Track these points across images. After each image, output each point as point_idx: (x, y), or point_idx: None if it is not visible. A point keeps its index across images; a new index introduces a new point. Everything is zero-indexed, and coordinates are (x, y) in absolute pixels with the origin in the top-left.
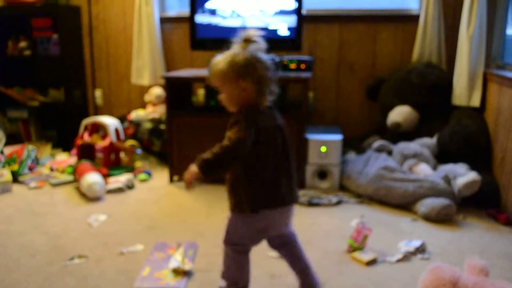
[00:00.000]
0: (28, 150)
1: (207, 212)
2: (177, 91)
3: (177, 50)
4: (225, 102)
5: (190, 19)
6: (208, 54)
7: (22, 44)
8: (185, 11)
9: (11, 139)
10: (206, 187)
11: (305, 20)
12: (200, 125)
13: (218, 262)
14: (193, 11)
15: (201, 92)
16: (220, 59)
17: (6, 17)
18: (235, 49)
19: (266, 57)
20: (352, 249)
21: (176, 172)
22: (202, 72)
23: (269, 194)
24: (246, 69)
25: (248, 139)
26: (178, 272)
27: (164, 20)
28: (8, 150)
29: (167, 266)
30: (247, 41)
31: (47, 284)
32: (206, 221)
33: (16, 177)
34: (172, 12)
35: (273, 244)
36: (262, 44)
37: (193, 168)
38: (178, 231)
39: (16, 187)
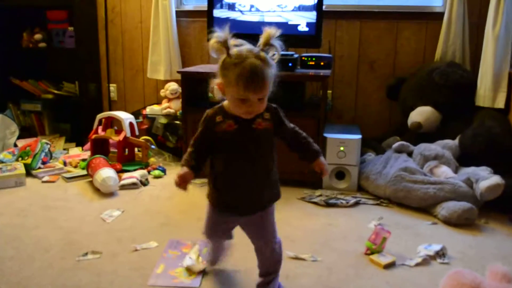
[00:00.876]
0: (42, 143)
1: None
2: (193, 87)
3: (193, 45)
4: (262, 107)
5: (208, 13)
6: None
7: (37, 36)
8: (202, 5)
9: (25, 132)
10: None
11: (325, 16)
12: None
13: (232, 261)
14: (211, 5)
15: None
16: (262, 63)
17: (21, 9)
18: (255, 49)
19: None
20: (370, 251)
21: None
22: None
23: (223, 197)
24: (275, 69)
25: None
26: (192, 271)
27: (181, 14)
28: (21, 143)
29: (181, 264)
30: (268, 44)
31: (61, 279)
32: None
33: (29, 171)
34: (189, 6)
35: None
36: (279, 47)
37: (323, 160)
38: (192, 229)
39: (29, 181)
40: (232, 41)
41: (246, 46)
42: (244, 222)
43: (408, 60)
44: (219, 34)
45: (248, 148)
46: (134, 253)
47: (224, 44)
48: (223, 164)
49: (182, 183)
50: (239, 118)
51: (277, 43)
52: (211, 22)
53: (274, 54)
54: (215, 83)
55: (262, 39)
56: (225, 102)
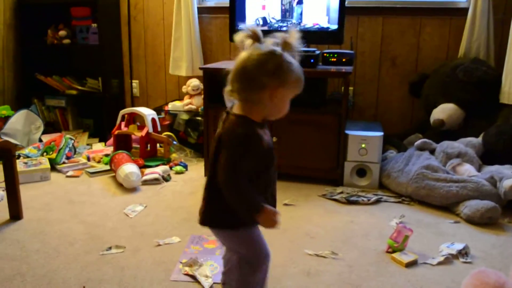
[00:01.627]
0: (66, 139)
1: None
2: (214, 83)
3: (215, 41)
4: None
5: (230, 9)
6: None
7: (62, 33)
8: (224, 1)
9: (49, 127)
10: None
11: (347, 12)
12: None
13: None
14: (233, 0)
15: None
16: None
17: (46, 6)
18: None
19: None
20: (392, 249)
21: None
22: None
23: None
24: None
25: None
26: None
27: (202, 10)
28: (46, 138)
29: (204, 259)
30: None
31: (85, 272)
32: None
33: (53, 165)
34: (211, 2)
35: None
36: (297, 49)
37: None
38: None
39: (53, 175)
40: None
41: (271, 42)
42: None
43: (431, 56)
44: (248, 27)
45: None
46: (156, 248)
47: (254, 37)
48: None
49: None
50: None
51: (296, 44)
52: (233, 18)
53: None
54: (271, 88)
55: (281, 40)
56: (242, 112)
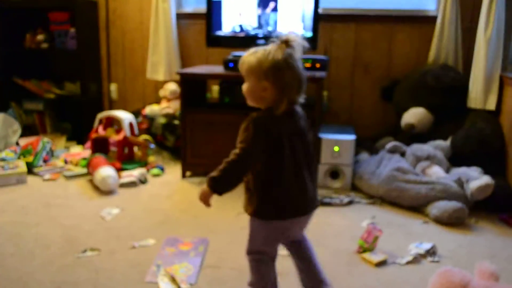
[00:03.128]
0: (44, 142)
1: (219, 208)
2: (191, 87)
3: (192, 46)
4: (246, 93)
5: (207, 15)
6: (223, 51)
7: (40, 37)
8: (202, 7)
9: (27, 131)
10: None
11: (321, 18)
12: (214, 122)
13: (229, 259)
14: (210, 7)
15: (215, 89)
16: (254, 52)
17: (24, 10)
18: (271, 48)
19: (299, 66)
20: (362, 249)
21: (189, 168)
22: (217, 69)
23: (287, 203)
24: (273, 72)
25: (256, 149)
26: None
27: (180, 16)
28: (23, 141)
29: (178, 261)
30: (286, 43)
31: (60, 275)
32: (218, 217)
33: (31, 169)
34: (188, 8)
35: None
36: (300, 51)
37: (205, 188)
38: (190, 226)
39: (30, 179)
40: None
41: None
42: (297, 224)
43: (402, 62)
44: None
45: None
46: (132, 250)
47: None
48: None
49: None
50: None
51: (298, 44)
52: (210, 24)
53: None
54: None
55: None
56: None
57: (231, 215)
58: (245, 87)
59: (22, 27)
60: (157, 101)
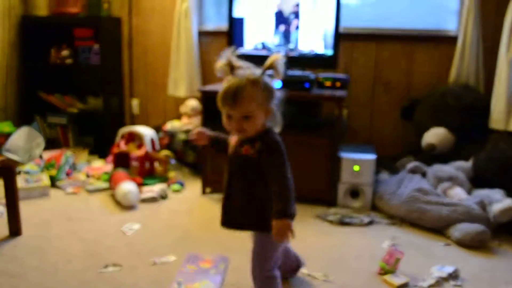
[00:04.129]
0: (66, 156)
1: None
2: (212, 104)
3: (213, 64)
4: (251, 128)
5: (228, 33)
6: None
7: (64, 52)
8: (223, 25)
9: (50, 144)
10: None
11: (342, 38)
12: None
13: (249, 277)
14: (231, 25)
15: None
16: (244, 83)
17: (50, 26)
18: (254, 72)
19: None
20: (384, 271)
21: (209, 184)
22: None
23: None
24: (273, 92)
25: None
26: None
27: (202, 34)
28: (47, 155)
29: (199, 279)
30: (269, 67)
31: None
32: (237, 235)
33: (53, 182)
34: (210, 26)
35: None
36: (281, 72)
37: (284, 223)
38: (210, 243)
39: (53, 192)
40: (237, 63)
41: (250, 69)
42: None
43: (422, 82)
44: (224, 55)
45: (232, 167)
46: (153, 267)
47: (228, 65)
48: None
49: (198, 139)
50: (241, 138)
51: (280, 67)
52: (231, 42)
53: (274, 77)
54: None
55: (266, 62)
56: None
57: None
58: (251, 121)
59: (47, 43)
60: (178, 117)
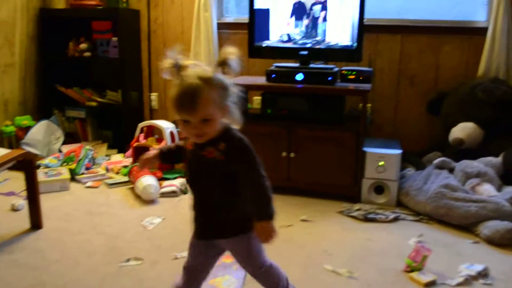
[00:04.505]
0: (86, 149)
1: None
2: None
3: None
4: (211, 131)
5: (249, 25)
6: (264, 62)
7: (83, 46)
8: (243, 17)
9: (69, 138)
10: None
11: (366, 29)
12: (256, 133)
13: None
14: (252, 17)
15: (256, 100)
16: (200, 85)
17: (68, 19)
18: (205, 70)
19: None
20: (410, 269)
21: None
22: (258, 80)
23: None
24: (229, 89)
25: None
26: None
27: (222, 26)
28: (66, 148)
29: (221, 273)
30: (221, 62)
31: (104, 284)
32: None
33: (73, 176)
34: (230, 18)
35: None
36: (235, 68)
37: (268, 225)
38: None
39: (73, 186)
40: (185, 63)
41: (200, 67)
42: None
43: (450, 75)
44: (170, 55)
45: (197, 173)
46: (174, 261)
47: (175, 65)
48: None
49: (144, 164)
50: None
51: (233, 62)
52: (252, 34)
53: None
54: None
55: (219, 58)
56: None
57: (276, 226)
58: (210, 125)
59: (65, 36)
60: None
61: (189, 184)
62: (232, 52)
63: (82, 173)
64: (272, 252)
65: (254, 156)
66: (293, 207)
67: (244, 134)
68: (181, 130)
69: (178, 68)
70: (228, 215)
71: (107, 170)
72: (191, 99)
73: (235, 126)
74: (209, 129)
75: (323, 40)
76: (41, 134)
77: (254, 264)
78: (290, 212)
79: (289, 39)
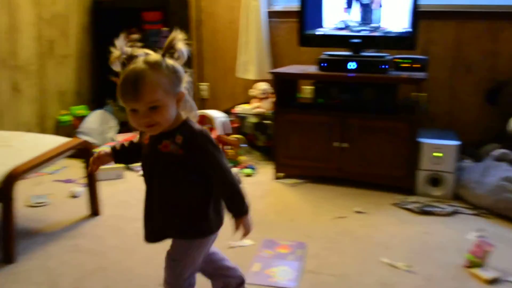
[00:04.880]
0: (138, 138)
1: (314, 212)
2: (283, 87)
3: (282, 45)
4: (162, 119)
5: (300, 13)
6: (314, 50)
7: (134, 36)
8: (292, 5)
9: (122, 127)
10: (311, 186)
11: (420, 16)
12: (307, 122)
13: (328, 264)
14: (303, 5)
15: (305, 89)
16: (143, 67)
17: (119, 10)
18: (153, 55)
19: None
20: (471, 264)
21: (282, 169)
22: (309, 68)
23: (221, 211)
24: (179, 75)
25: None
26: None
27: (271, 15)
28: (120, 137)
29: (277, 264)
30: (170, 48)
31: (161, 270)
32: (313, 221)
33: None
34: (279, 6)
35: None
36: (183, 53)
37: (245, 221)
38: (285, 229)
39: (127, 174)
40: (134, 52)
41: (149, 54)
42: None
43: (509, 63)
44: (117, 43)
45: (152, 170)
46: (230, 250)
47: (124, 55)
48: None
49: (94, 162)
50: (154, 135)
51: (182, 46)
52: (303, 23)
53: (178, 59)
54: None
55: (165, 43)
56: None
57: (327, 219)
58: (161, 113)
59: (116, 27)
60: (247, 100)
61: (144, 181)
62: (178, 36)
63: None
64: (327, 244)
65: (217, 150)
66: (345, 198)
67: (294, 123)
68: (130, 122)
69: (127, 58)
70: (174, 215)
71: None
72: (135, 83)
73: (193, 119)
74: (159, 117)
75: (378, 27)
76: (96, 123)
77: (180, 273)
78: (342, 204)
79: (345, 26)
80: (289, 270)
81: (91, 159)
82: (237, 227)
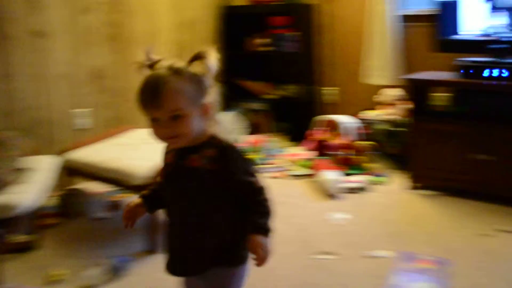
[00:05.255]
0: (268, 141)
1: (452, 226)
2: (419, 94)
3: (412, 50)
4: (186, 131)
5: (437, 17)
6: (444, 56)
7: (261, 40)
8: (424, 9)
9: (250, 129)
10: (448, 199)
11: None
12: (441, 132)
13: (479, 286)
14: (441, 10)
15: (438, 96)
16: (165, 73)
17: (248, 15)
18: (177, 62)
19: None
20: None
21: (417, 179)
22: (443, 75)
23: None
24: (204, 85)
25: None
26: None
27: (405, 18)
28: (247, 139)
29: (419, 279)
30: (199, 57)
31: (299, 275)
32: (454, 236)
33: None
34: (410, 10)
35: None
36: (211, 66)
37: (263, 240)
38: (423, 243)
39: None
40: (157, 58)
41: (172, 60)
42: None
43: None
44: (143, 51)
45: (177, 189)
46: (366, 259)
47: (147, 63)
48: (167, 209)
49: (128, 217)
50: (179, 150)
51: (212, 60)
52: (440, 27)
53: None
54: None
55: (193, 54)
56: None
57: (467, 235)
58: (185, 123)
59: (242, 31)
60: (373, 106)
61: (167, 206)
62: (210, 49)
63: (265, 164)
64: (474, 264)
65: (251, 165)
66: (488, 215)
67: (432, 132)
68: (151, 134)
69: (150, 66)
70: (212, 241)
71: (288, 162)
72: (155, 89)
73: (221, 135)
74: (182, 128)
75: None
76: (228, 124)
77: None
78: (485, 221)
79: (491, 33)
80: (436, 286)
81: (123, 214)
82: (252, 245)
